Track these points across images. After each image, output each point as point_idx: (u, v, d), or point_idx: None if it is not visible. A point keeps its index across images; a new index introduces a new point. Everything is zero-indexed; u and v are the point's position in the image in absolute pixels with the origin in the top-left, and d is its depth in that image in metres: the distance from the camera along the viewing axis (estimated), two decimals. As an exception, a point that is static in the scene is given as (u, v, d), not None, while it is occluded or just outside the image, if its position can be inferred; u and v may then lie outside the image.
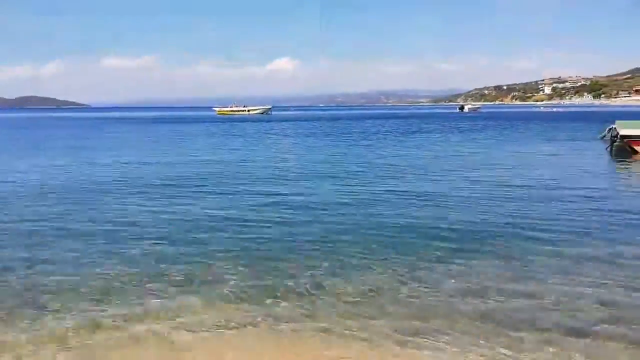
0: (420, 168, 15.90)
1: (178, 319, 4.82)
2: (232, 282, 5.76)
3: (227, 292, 5.48)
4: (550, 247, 6.95)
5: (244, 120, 65.37)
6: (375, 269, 6.17)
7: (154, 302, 5.20)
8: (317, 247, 7.14)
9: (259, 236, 7.72)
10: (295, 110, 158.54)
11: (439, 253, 6.75)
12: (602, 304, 5.08)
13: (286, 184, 12.91)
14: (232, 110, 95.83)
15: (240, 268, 6.24)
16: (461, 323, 4.67)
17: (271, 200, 10.73)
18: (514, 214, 9.02)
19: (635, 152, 18.23)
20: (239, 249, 7.07)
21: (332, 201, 10.51)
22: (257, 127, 46.48)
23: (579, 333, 4.45)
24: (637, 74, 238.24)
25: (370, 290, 5.49)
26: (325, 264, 6.36)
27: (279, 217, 9.03)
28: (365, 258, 6.60)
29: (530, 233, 7.71)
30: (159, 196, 11.27)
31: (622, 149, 18.90)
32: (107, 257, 6.75)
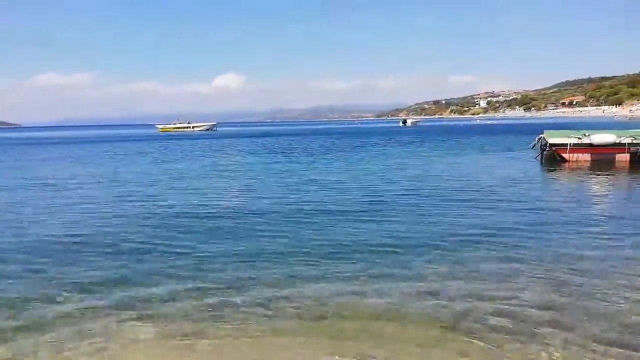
0: (366, 181, 16.25)
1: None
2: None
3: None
4: (490, 251, 7.35)
5: (187, 137, 63.96)
6: (328, 278, 6.27)
7: None
8: (253, 260, 7.15)
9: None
10: (242, 126, 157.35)
11: (383, 260, 6.96)
12: (541, 305, 5.43)
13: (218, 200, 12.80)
14: (175, 127, 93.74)
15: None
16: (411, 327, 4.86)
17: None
18: (456, 221, 9.46)
19: (563, 159, 19.59)
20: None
21: (273, 215, 10.55)
22: (198, 144, 45.62)
23: (517, 334, 4.74)
24: (562, 88, 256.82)
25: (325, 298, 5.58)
26: (276, 275, 6.39)
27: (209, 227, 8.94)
28: (316, 269, 6.69)
29: (471, 238, 8.12)
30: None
31: (551, 157, 20.27)
32: None
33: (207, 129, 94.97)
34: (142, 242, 8.29)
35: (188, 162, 25.10)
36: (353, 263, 6.85)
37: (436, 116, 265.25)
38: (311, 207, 11.32)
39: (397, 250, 7.45)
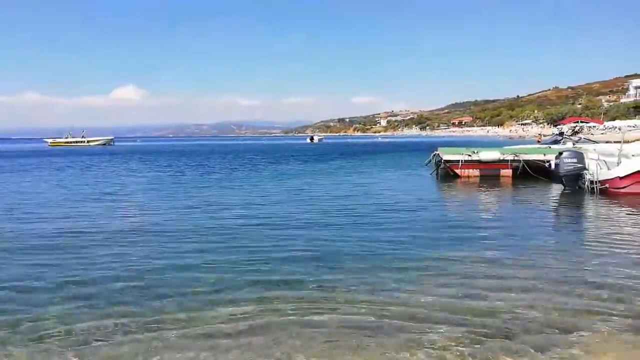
0: (276, 201, 16.29)
1: None
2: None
3: None
4: (395, 262, 7.74)
5: (79, 152, 59.29)
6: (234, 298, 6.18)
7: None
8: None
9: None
10: (142, 141, 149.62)
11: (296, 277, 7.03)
12: (444, 308, 5.82)
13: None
14: (67, 142, 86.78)
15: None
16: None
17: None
18: (360, 237, 9.83)
19: (456, 174, 21.28)
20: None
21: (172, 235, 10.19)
22: (83, 160, 42.56)
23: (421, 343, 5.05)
24: (453, 109, 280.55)
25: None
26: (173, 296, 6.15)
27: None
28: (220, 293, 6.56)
29: (377, 251, 8.49)
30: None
31: (445, 172, 21.92)
32: None
33: (104, 144, 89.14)
34: None
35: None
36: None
37: (341, 133, 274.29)
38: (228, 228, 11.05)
39: (288, 263, 7.56)
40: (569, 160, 15.46)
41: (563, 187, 16.11)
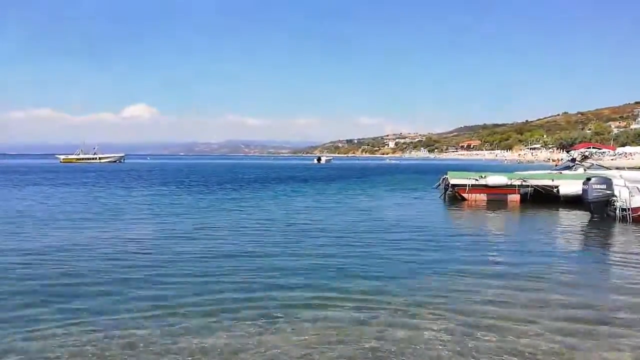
0: (282, 221, 16.43)
1: None
2: None
3: None
4: (394, 279, 7.80)
5: (89, 170, 60.04)
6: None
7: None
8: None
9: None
10: (152, 159, 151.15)
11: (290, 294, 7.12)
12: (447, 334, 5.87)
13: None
14: (79, 158, 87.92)
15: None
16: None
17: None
18: (370, 256, 9.91)
19: (463, 198, 21.32)
20: None
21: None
22: (94, 177, 43.05)
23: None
24: (461, 133, 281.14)
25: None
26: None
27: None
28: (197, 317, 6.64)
29: (377, 274, 8.56)
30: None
31: (453, 196, 21.98)
32: None
33: (115, 161, 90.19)
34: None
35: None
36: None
37: (349, 154, 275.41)
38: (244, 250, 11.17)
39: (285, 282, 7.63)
40: (598, 186, 15.02)
41: (591, 215, 15.55)
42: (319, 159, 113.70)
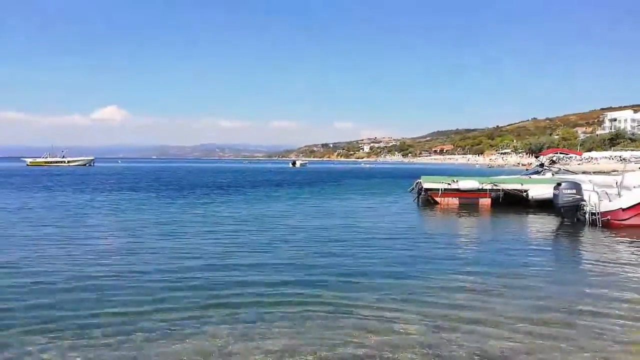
0: (252, 222, 16.27)
1: None
2: None
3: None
4: (368, 281, 7.80)
5: (55, 173, 58.30)
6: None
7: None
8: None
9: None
10: (123, 162, 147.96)
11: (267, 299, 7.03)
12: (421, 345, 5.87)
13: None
14: (47, 162, 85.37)
15: None
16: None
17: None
18: (343, 260, 9.88)
19: (436, 202, 21.57)
20: None
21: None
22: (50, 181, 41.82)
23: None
24: (434, 137, 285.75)
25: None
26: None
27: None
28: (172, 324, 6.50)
29: (350, 277, 8.54)
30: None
31: (426, 199, 22.22)
32: None
33: (84, 164, 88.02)
34: None
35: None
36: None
37: (324, 158, 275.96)
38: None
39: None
40: (568, 191, 15.18)
41: (561, 219, 15.79)
42: (294, 163, 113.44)
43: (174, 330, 5.90)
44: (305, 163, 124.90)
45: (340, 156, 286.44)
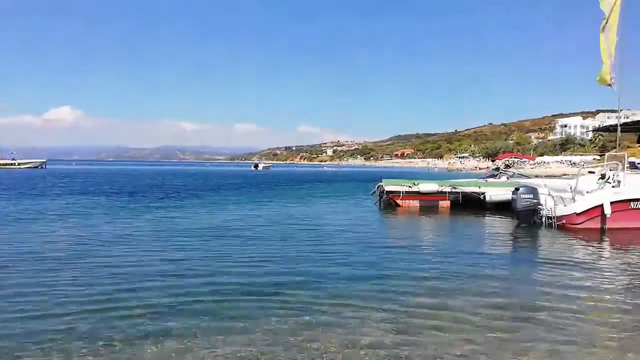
0: (214, 229, 15.89)
1: None
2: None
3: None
4: (329, 284, 7.71)
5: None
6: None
7: None
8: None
9: None
10: (78, 164, 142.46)
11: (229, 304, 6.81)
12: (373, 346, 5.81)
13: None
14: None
15: None
16: None
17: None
18: (305, 262, 9.76)
19: (397, 204, 21.80)
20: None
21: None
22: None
23: None
24: (395, 141, 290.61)
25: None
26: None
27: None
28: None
29: (311, 280, 8.43)
30: None
31: (388, 202, 22.43)
32: None
33: (36, 167, 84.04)
34: None
35: None
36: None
37: (288, 161, 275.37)
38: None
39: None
40: (526, 195, 15.59)
41: (519, 222, 16.05)
42: (256, 166, 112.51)
43: (127, 337, 5.61)
44: (269, 166, 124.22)
45: (304, 159, 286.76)
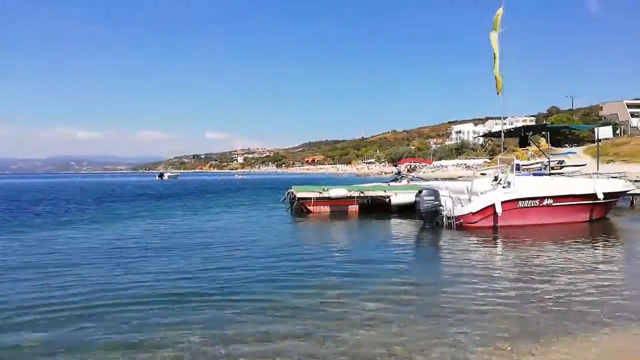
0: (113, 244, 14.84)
1: None
2: None
3: None
4: (246, 296, 7.52)
5: None
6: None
7: None
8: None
9: None
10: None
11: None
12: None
13: None
14: None
15: None
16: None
17: None
18: (214, 273, 9.43)
19: (309, 211, 22.00)
20: None
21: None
22: None
23: None
24: (306, 148, 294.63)
25: None
26: None
27: None
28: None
29: (223, 290, 8.18)
30: None
31: (299, 209, 22.55)
32: None
33: None
34: None
35: None
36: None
37: (196, 170, 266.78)
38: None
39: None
40: (428, 198, 16.46)
41: (423, 223, 16.89)
42: (161, 175, 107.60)
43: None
44: (176, 175, 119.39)
45: (213, 167, 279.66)
